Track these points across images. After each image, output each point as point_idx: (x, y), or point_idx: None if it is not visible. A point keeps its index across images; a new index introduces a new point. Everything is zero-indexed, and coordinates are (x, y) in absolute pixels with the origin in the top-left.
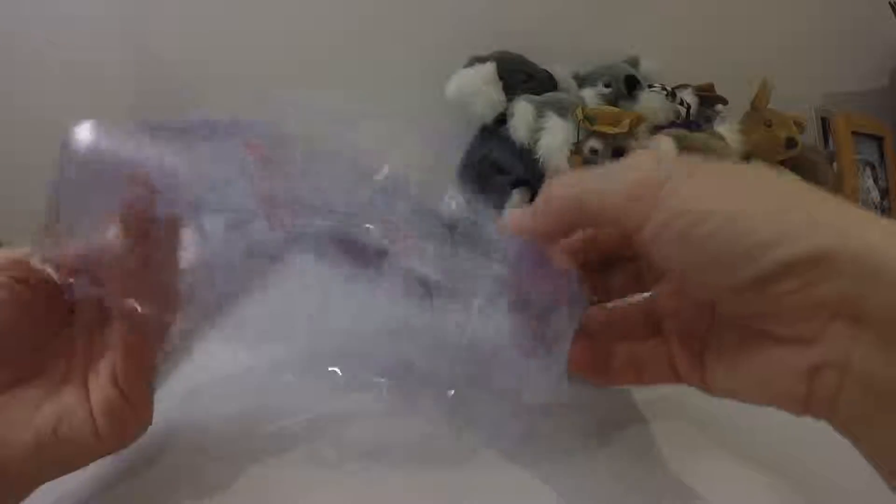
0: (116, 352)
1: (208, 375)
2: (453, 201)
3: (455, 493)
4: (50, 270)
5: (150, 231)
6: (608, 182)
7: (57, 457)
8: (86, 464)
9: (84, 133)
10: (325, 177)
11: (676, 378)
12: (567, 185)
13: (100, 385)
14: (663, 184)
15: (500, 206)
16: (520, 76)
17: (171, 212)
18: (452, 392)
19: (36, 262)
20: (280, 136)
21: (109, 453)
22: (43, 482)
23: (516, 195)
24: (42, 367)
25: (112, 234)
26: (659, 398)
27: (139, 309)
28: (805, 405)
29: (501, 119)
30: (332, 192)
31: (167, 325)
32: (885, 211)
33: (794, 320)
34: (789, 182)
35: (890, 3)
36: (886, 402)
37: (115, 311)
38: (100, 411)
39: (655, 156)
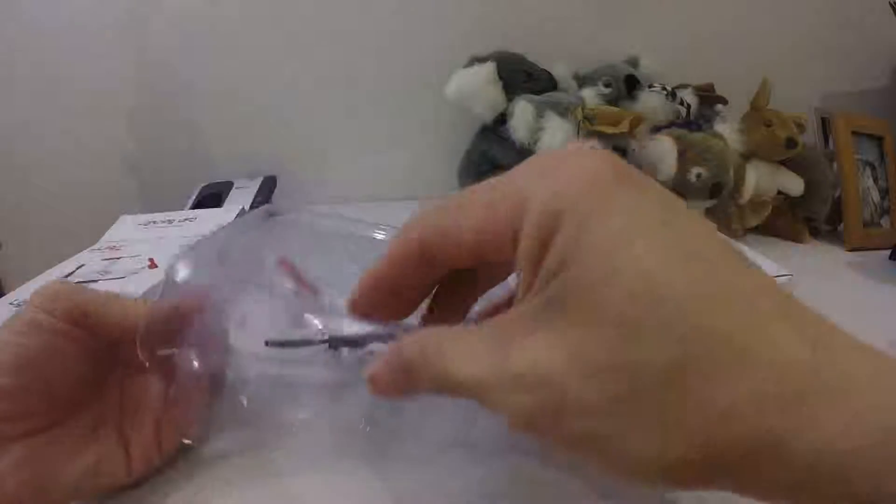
0: (161, 419)
1: None
2: None
3: (456, 494)
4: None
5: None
6: None
7: (93, 489)
8: (113, 492)
9: (182, 270)
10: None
11: None
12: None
13: (142, 441)
14: None
15: None
16: (520, 76)
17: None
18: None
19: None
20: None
21: (135, 486)
22: None
23: None
24: (76, 411)
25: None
26: None
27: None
28: None
29: (501, 119)
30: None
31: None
32: (885, 211)
33: None
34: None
35: (890, 3)
36: None
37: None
38: (138, 459)
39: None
